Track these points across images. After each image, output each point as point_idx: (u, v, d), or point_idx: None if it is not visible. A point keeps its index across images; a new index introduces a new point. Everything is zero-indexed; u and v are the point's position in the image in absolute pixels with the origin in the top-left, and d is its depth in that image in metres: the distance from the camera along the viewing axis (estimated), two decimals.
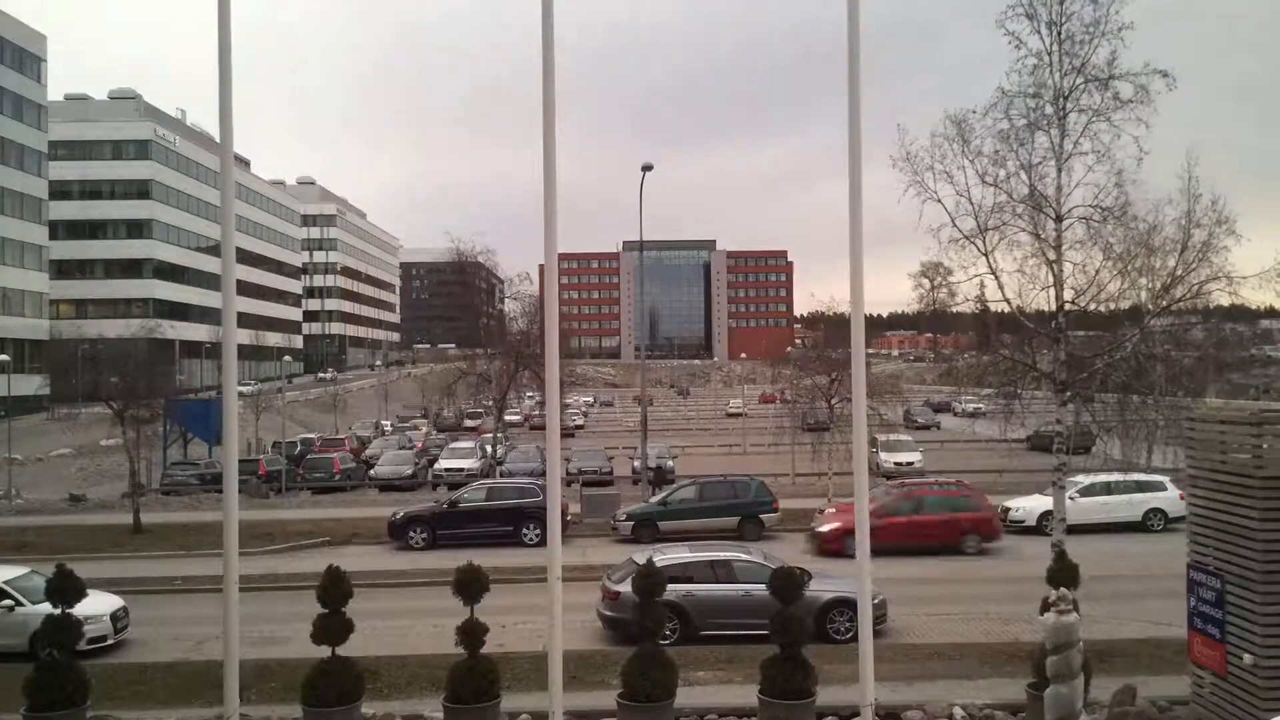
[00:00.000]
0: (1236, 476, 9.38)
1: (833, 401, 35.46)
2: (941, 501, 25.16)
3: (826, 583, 16.28)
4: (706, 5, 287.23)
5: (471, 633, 10.28)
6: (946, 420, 73.55)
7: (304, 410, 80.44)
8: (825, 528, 24.46)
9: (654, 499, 28.75)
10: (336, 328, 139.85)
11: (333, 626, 10.27)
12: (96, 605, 15.20)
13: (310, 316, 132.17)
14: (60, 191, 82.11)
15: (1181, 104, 15.26)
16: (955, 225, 15.15)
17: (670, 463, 44.00)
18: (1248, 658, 9.08)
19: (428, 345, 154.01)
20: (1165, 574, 15.89)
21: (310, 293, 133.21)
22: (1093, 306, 15.43)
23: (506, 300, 45.26)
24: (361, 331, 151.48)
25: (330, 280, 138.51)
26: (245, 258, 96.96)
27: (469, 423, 73.71)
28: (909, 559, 22.58)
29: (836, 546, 23.09)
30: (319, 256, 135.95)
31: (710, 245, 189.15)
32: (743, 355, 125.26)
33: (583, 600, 16.43)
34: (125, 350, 48.89)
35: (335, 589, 10.34)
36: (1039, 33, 14.47)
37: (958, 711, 11.14)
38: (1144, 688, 11.02)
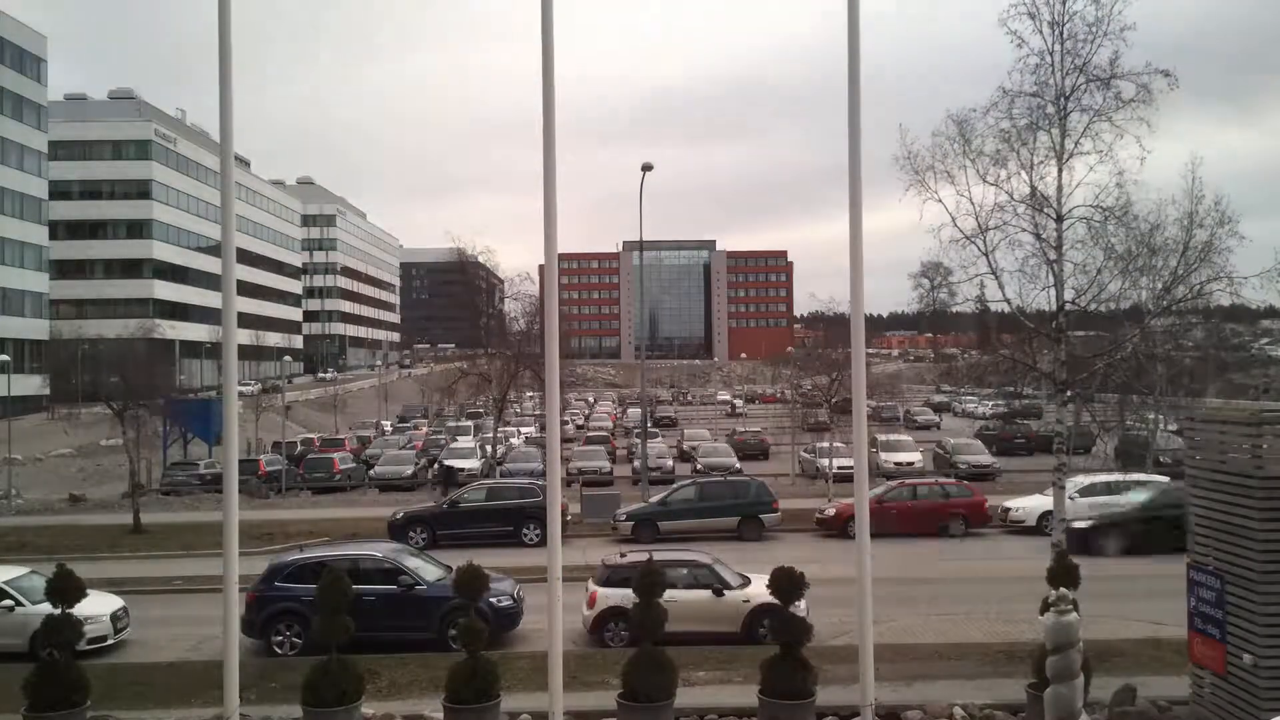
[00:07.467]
0: (1236, 476, 9.37)
1: (833, 401, 35.48)
2: (932, 490, 28.47)
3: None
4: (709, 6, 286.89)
5: (472, 633, 10.28)
6: (947, 421, 73.55)
7: (304, 410, 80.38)
8: (829, 512, 27.65)
9: (654, 499, 28.76)
10: (337, 328, 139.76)
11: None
12: (96, 605, 15.19)
13: (310, 316, 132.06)
14: (60, 191, 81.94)
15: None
16: (956, 225, 15.17)
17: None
18: (1248, 658, 9.07)
19: (428, 345, 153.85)
20: (1164, 573, 15.87)
21: (310, 293, 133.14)
22: (1093, 306, 15.43)
23: (506, 300, 45.29)
24: (362, 331, 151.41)
25: (330, 280, 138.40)
26: (245, 258, 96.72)
27: (456, 423, 70.19)
28: (908, 560, 22.57)
29: (839, 525, 26.30)
30: (319, 256, 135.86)
31: (710, 245, 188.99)
32: (743, 355, 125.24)
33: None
34: (125, 350, 48.96)
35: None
36: (1040, 32, 14.47)
37: (958, 711, 11.14)
38: (1144, 688, 11.01)
